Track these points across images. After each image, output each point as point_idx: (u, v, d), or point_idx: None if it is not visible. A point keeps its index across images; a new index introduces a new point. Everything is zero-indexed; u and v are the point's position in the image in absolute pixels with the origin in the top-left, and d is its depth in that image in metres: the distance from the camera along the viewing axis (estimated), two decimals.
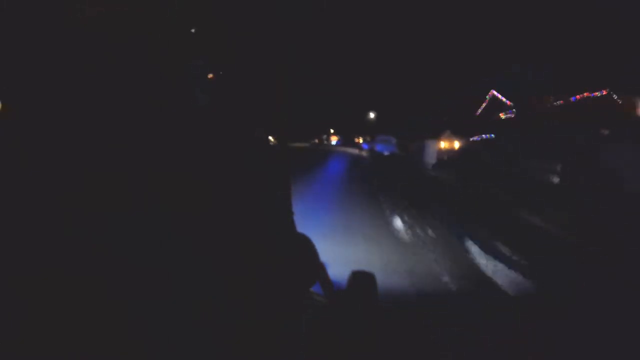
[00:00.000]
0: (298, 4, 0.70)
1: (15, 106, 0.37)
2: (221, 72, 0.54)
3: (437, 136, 25.70)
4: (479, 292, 2.79)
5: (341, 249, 3.56)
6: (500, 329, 1.78)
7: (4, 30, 0.37)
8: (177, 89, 0.46)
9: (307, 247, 0.69)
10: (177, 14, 0.46)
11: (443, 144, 25.72)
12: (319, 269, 0.85)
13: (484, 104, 21.42)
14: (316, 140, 41.06)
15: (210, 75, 0.51)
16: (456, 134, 22.40)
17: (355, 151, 27.21)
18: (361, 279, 1.06)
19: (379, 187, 9.22)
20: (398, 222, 5.37)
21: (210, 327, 0.39)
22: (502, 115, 18.35)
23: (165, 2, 0.45)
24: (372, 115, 43.98)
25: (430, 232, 4.91)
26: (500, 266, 3.46)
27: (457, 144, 20.54)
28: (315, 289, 0.94)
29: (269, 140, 0.60)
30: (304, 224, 0.68)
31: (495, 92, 19.43)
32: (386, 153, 21.32)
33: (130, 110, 0.41)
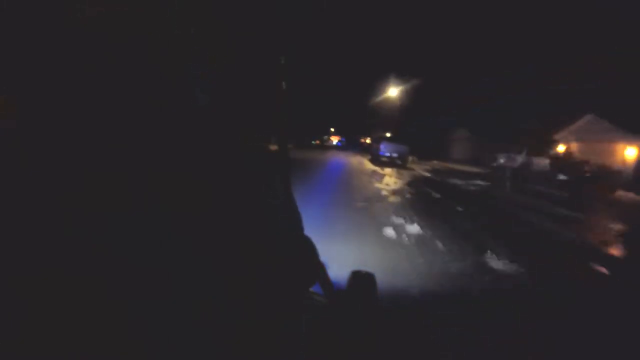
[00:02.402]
0: (298, 4, 0.70)
1: (15, 106, 0.37)
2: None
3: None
4: None
5: None
6: (500, 329, 1.78)
7: (3, 30, 0.37)
8: (177, 89, 0.46)
9: (307, 247, 0.69)
10: (177, 14, 0.46)
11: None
12: (319, 269, 0.85)
13: None
14: (317, 141, 38.56)
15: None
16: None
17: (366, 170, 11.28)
18: (361, 279, 1.05)
19: None
20: None
21: (210, 327, 0.39)
22: None
23: (165, 2, 0.45)
24: (393, 92, 26.25)
25: None
26: None
27: None
28: (315, 289, 0.94)
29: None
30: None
31: None
32: None
33: (130, 111, 0.41)
